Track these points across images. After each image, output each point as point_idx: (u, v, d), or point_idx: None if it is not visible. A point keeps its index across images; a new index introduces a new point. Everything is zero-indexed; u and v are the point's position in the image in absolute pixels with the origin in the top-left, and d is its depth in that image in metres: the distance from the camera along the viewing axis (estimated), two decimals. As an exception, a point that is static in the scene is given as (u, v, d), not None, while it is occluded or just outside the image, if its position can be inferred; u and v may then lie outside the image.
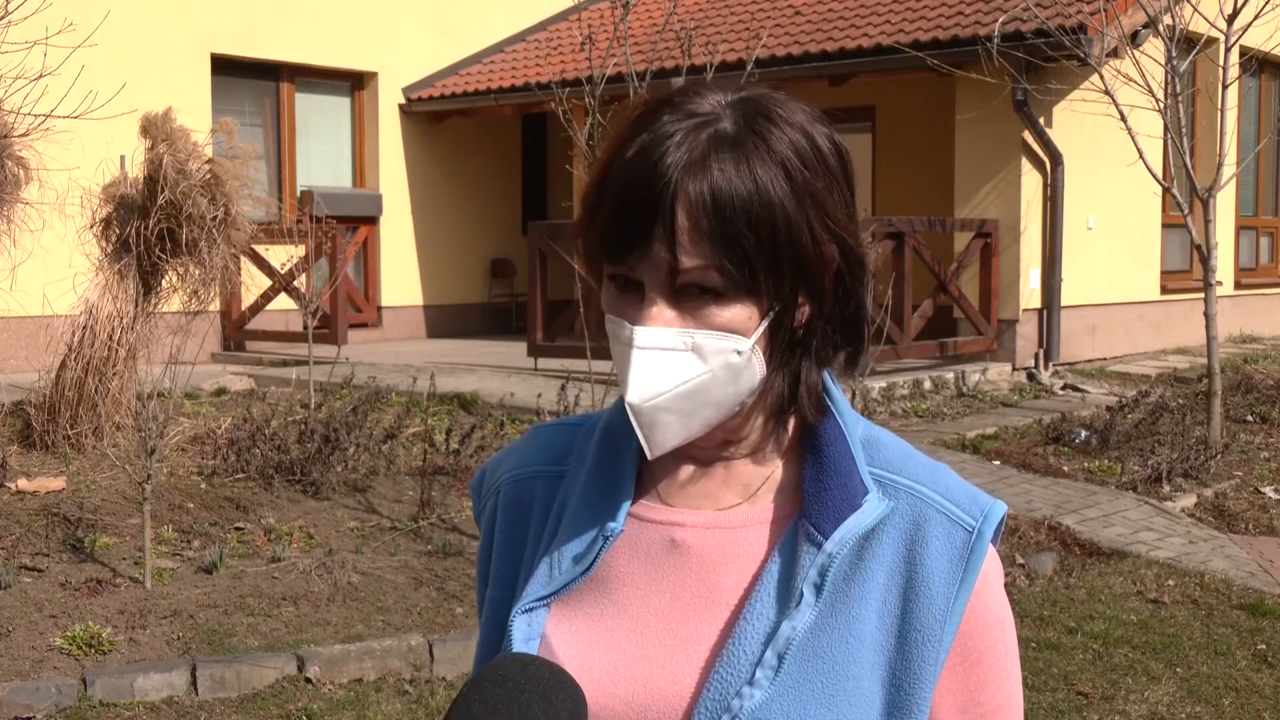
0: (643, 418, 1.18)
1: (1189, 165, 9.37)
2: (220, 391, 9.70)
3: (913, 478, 1.24)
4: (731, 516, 1.25)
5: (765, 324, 1.19)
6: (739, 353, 1.18)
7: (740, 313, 1.17)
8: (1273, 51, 11.79)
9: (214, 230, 7.67)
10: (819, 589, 1.19)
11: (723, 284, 1.16)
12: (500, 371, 10.76)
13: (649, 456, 1.21)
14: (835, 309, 1.23)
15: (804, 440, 1.26)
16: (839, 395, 1.27)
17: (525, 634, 1.24)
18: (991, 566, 1.24)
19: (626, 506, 1.26)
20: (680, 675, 1.21)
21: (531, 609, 1.25)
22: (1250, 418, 9.98)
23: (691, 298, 1.17)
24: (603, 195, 1.19)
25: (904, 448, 1.28)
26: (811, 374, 1.24)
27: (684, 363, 1.17)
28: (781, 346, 1.22)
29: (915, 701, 1.20)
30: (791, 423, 1.27)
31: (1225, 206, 13.69)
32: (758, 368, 1.20)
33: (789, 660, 1.17)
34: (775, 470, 1.27)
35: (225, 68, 12.79)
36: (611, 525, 1.25)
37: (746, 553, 1.24)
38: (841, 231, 1.20)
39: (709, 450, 1.27)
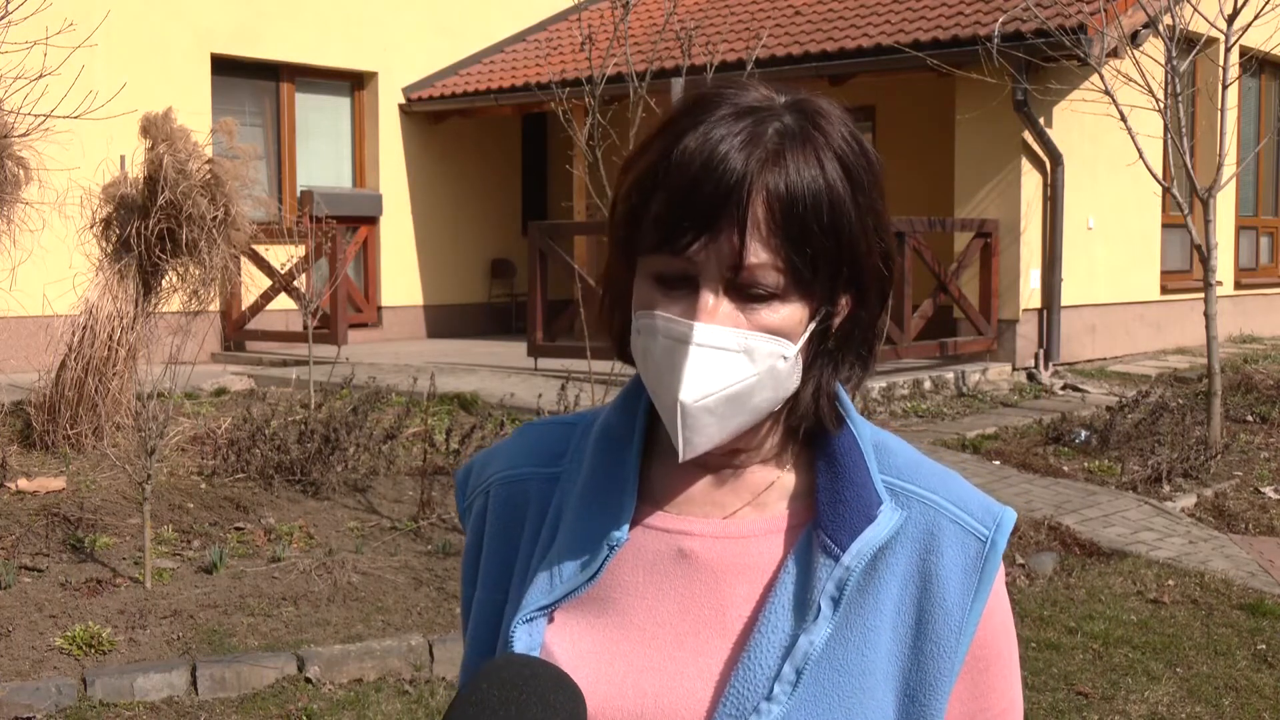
0: (689, 419, 1.14)
1: (1189, 165, 9.37)
2: (220, 391, 9.70)
3: (925, 486, 1.23)
4: (740, 525, 1.22)
5: (811, 329, 1.17)
6: (785, 358, 1.16)
7: (791, 316, 1.15)
8: (1273, 51, 11.79)
9: (214, 230, 7.67)
10: (836, 602, 1.16)
11: (779, 284, 1.13)
12: (500, 371, 10.76)
13: (681, 458, 1.17)
14: (865, 321, 1.21)
15: (815, 447, 1.24)
16: (847, 401, 1.25)
17: (526, 644, 1.20)
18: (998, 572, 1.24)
19: (630, 514, 1.22)
20: (692, 689, 1.17)
21: (532, 619, 1.21)
22: (1250, 418, 9.98)
23: (744, 297, 1.14)
24: (658, 185, 1.14)
25: (913, 454, 1.26)
26: (830, 383, 1.22)
27: (736, 364, 1.14)
28: (815, 355, 1.19)
29: (930, 712, 1.19)
30: (801, 429, 1.24)
31: (1225, 206, 13.69)
32: (796, 376, 1.18)
33: (807, 675, 1.15)
34: (784, 476, 1.24)
35: (225, 68, 12.79)
36: (616, 534, 1.21)
37: (757, 564, 1.21)
38: (886, 241, 1.19)
39: (719, 457, 1.23)
